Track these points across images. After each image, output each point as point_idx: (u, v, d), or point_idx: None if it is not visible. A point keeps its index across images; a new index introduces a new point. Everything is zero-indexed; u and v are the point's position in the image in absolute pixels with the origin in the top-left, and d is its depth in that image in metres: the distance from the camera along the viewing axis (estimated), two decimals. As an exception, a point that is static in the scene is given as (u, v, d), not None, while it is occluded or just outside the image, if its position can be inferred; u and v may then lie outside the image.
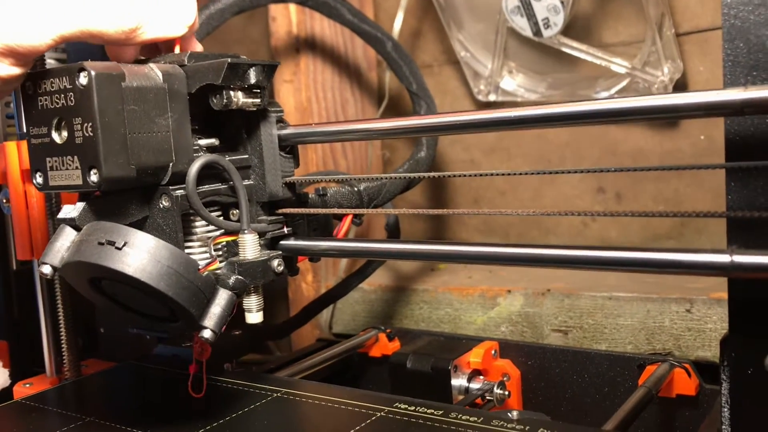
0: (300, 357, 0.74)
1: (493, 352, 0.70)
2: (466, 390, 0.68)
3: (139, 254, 0.40)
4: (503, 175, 0.45)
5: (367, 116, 1.01)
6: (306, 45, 0.93)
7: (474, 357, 0.69)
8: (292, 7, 0.91)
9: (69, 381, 0.63)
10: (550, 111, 0.40)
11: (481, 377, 0.69)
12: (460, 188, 1.00)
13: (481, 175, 0.46)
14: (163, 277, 0.40)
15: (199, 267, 0.43)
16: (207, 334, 0.43)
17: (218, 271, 0.45)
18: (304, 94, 0.94)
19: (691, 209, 0.38)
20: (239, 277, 0.45)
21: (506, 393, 0.67)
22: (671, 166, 0.39)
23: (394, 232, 0.78)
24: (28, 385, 0.64)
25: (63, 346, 0.64)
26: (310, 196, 0.58)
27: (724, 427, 0.41)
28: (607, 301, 0.77)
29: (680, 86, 0.79)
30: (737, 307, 0.39)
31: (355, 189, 0.63)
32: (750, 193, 0.38)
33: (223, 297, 0.44)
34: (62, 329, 0.64)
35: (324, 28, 0.94)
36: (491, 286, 0.86)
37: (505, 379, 0.69)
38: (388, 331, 0.77)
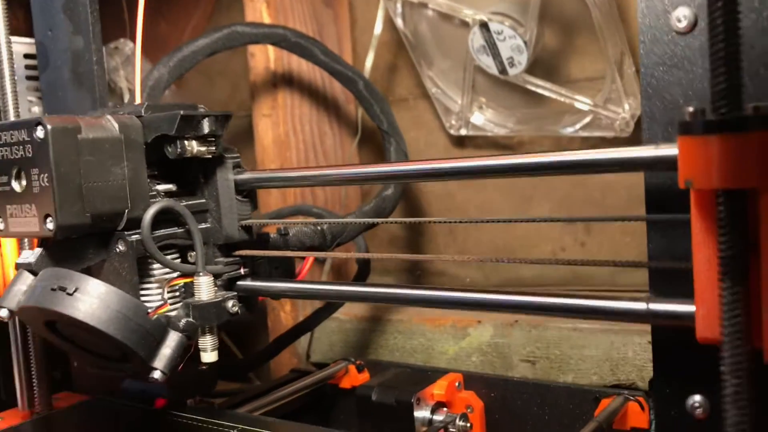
0: (272, 388, 0.75)
1: (457, 384, 0.72)
2: (430, 422, 0.69)
3: (89, 300, 0.42)
4: (472, 222, 0.47)
5: (345, 148, 1.03)
6: (283, 80, 0.96)
7: (438, 389, 0.70)
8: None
9: (39, 415, 0.65)
10: (476, 164, 0.42)
11: (445, 409, 0.70)
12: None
13: (446, 222, 0.48)
14: (112, 322, 0.42)
15: (149, 311, 0.44)
16: (157, 374, 0.44)
17: (171, 314, 0.47)
18: (282, 127, 0.96)
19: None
20: (190, 319, 0.47)
21: (468, 425, 0.69)
22: (600, 217, 0.41)
23: (363, 266, 0.80)
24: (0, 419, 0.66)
25: (34, 380, 0.66)
26: (271, 236, 0.60)
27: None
28: (572, 332, 0.79)
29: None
30: (660, 352, 0.41)
31: (318, 228, 0.65)
32: (669, 243, 0.40)
33: (173, 339, 0.45)
34: (33, 364, 0.66)
35: (301, 63, 0.96)
36: (462, 317, 0.87)
37: (468, 410, 0.71)
38: (358, 362, 0.79)
